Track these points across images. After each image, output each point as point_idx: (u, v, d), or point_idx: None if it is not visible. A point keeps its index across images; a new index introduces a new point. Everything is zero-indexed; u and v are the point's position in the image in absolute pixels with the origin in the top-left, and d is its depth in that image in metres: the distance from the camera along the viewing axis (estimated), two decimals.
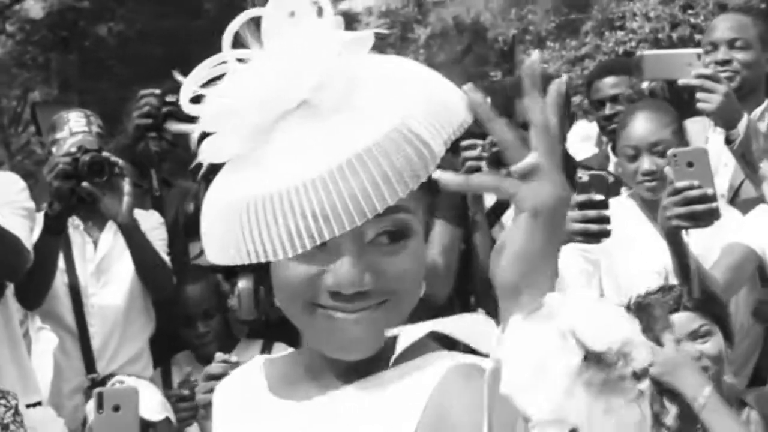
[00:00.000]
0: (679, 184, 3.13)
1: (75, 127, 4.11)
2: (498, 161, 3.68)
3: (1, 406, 3.41)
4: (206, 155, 1.38)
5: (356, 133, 1.30)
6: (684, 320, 3.15)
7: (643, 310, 3.22)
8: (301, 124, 1.33)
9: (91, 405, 3.07)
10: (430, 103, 1.35)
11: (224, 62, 1.37)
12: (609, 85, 4.63)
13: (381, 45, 1.40)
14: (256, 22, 1.38)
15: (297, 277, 1.36)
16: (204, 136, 1.38)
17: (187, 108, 1.37)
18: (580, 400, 1.07)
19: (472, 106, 1.24)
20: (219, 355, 3.31)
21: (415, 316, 1.43)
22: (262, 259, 1.32)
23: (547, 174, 1.15)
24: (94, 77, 15.08)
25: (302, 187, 1.28)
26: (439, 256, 3.59)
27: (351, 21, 23.16)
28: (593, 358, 1.08)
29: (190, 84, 1.37)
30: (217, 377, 3.20)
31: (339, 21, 1.38)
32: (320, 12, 1.37)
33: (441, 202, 1.35)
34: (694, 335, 3.13)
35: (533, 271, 1.14)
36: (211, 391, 3.20)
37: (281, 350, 3.78)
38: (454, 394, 1.33)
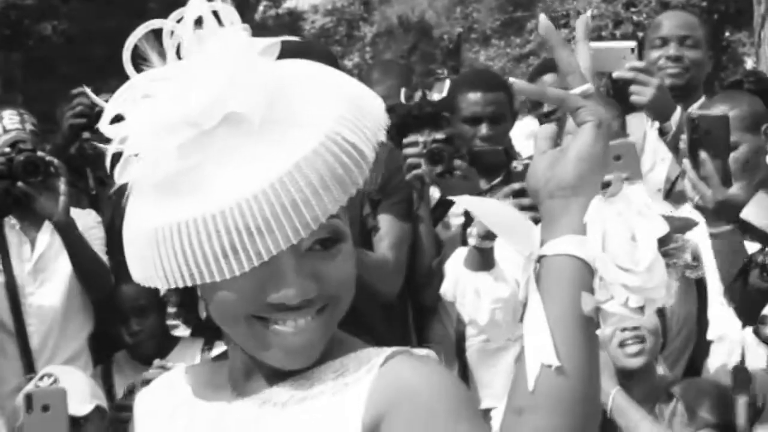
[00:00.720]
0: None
1: (8, 125, 4.10)
2: (435, 158, 3.68)
3: None
4: (133, 176, 1.34)
5: (290, 144, 1.28)
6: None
7: None
8: (229, 138, 1.30)
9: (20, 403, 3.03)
10: (354, 108, 1.34)
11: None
12: (548, 83, 4.63)
13: (328, 43, 1.38)
14: (155, 33, 1.34)
15: (237, 293, 1.33)
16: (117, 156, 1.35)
17: (108, 131, 1.34)
18: (660, 272, 1.24)
19: (545, 31, 1.35)
20: (157, 362, 3.29)
21: (367, 312, 1.44)
22: (206, 280, 1.29)
23: (597, 98, 1.31)
24: (39, 76, 14.97)
25: (244, 203, 1.25)
26: (389, 251, 3.61)
27: (297, 19, 23.12)
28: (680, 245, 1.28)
29: (109, 110, 1.34)
30: (149, 382, 3.18)
31: (247, 29, 1.35)
32: (223, 22, 1.34)
33: (388, 199, 1.37)
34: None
35: (592, 173, 1.28)
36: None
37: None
38: (403, 373, 1.33)
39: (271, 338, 1.35)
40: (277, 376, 1.42)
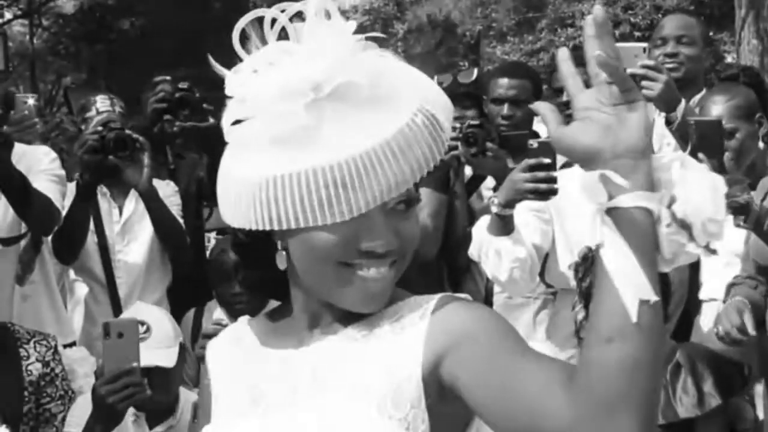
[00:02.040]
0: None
1: (101, 107, 4.12)
2: (470, 140, 3.69)
3: (42, 346, 3.40)
4: (248, 133, 1.36)
5: (389, 116, 1.31)
6: None
7: (588, 260, 3.24)
8: (340, 105, 1.32)
9: None
10: (434, 94, 1.37)
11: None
12: None
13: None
14: (258, 20, 1.37)
15: (332, 240, 1.34)
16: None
17: (234, 91, 1.36)
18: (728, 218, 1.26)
19: (561, 62, 1.32)
20: (216, 318, 3.29)
21: (408, 271, 1.44)
22: (310, 224, 1.32)
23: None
24: (118, 65, 14.99)
25: (350, 161, 1.28)
26: (428, 219, 3.65)
27: None
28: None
29: (245, 69, 1.36)
30: (211, 337, 3.18)
31: (353, 25, 1.37)
32: (330, 17, 1.36)
33: (428, 174, 1.35)
34: None
35: (650, 140, 1.27)
36: (204, 347, 3.18)
37: None
38: (455, 314, 1.36)
39: (356, 282, 1.37)
40: (340, 323, 1.43)
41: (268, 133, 1.33)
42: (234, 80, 1.36)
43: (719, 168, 3.03)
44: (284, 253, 1.41)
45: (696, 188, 1.26)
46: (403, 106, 1.32)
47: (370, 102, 1.32)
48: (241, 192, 1.36)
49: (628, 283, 1.21)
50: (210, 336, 3.20)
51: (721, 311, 3.20)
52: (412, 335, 1.36)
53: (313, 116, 1.32)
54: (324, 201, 1.30)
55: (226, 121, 1.37)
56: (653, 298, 1.21)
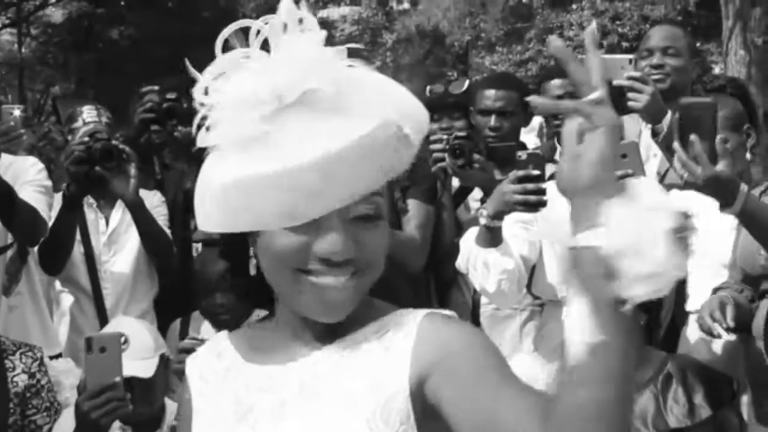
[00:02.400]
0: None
1: (87, 118, 4.12)
2: (457, 152, 3.69)
3: (28, 357, 3.39)
4: (215, 139, 1.37)
5: (351, 125, 1.30)
6: None
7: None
8: (303, 113, 1.33)
9: None
10: (405, 107, 1.37)
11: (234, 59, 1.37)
12: (556, 86, 4.61)
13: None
14: (243, 31, 1.37)
15: (289, 245, 1.35)
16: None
17: (200, 97, 1.37)
18: (675, 257, 1.15)
19: (556, 50, 1.28)
20: (191, 335, 3.29)
21: (395, 283, 1.44)
22: (265, 228, 1.34)
23: (608, 104, 1.23)
24: (107, 74, 14.97)
25: (306, 167, 1.28)
26: (416, 230, 3.65)
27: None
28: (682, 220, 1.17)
29: (207, 77, 1.37)
30: (188, 351, 3.18)
31: (324, 35, 1.38)
32: (303, 28, 1.37)
33: (416, 185, 1.37)
34: None
35: (606, 173, 1.20)
36: (180, 362, 3.18)
37: None
38: (440, 332, 1.36)
39: (312, 290, 1.37)
40: (325, 338, 1.43)
41: (230, 139, 1.35)
42: (200, 87, 1.38)
43: (711, 151, 3.02)
44: (254, 259, 1.43)
45: (631, 224, 1.18)
46: (367, 116, 1.32)
47: (333, 110, 1.32)
48: (206, 195, 1.38)
49: (573, 326, 1.18)
50: (187, 350, 3.20)
51: (705, 303, 3.20)
52: (399, 351, 1.36)
53: (275, 123, 1.32)
54: (278, 206, 1.31)
55: (196, 127, 1.39)
56: (596, 339, 1.17)
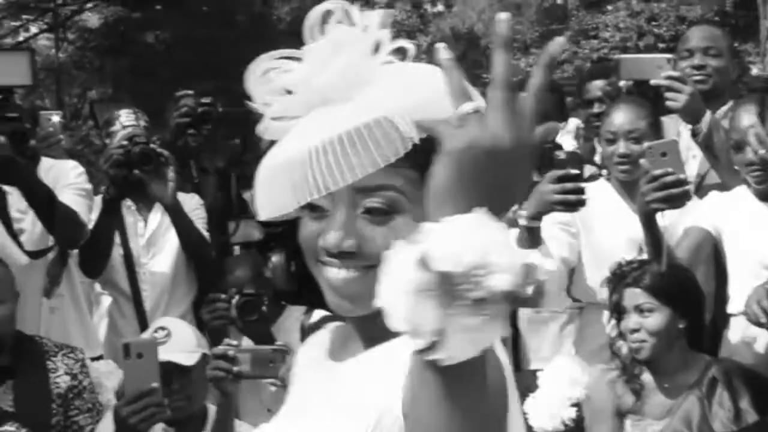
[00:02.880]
0: (656, 172, 3.14)
1: (126, 122, 4.14)
2: None
3: (70, 359, 3.43)
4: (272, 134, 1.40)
5: (342, 119, 1.30)
6: (633, 295, 3.21)
7: (617, 278, 3.24)
8: (319, 110, 1.35)
9: None
10: (415, 102, 1.30)
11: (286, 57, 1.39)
12: (596, 87, 4.60)
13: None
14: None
15: (308, 234, 1.37)
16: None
17: (258, 97, 1.39)
18: (431, 315, 0.99)
19: (443, 60, 1.15)
20: (226, 340, 3.32)
21: None
22: (276, 214, 1.37)
23: (476, 123, 1.07)
24: (143, 78, 15.05)
25: (306, 155, 1.30)
26: None
27: None
28: (441, 278, 0.99)
29: (258, 74, 1.39)
30: (220, 357, 3.22)
31: (381, 34, 1.38)
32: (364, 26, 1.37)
33: None
34: (639, 309, 3.20)
35: (436, 206, 1.06)
36: (214, 368, 3.22)
37: (321, 315, 3.76)
38: None
39: (325, 282, 1.37)
40: (367, 343, 1.40)
41: (278, 132, 1.39)
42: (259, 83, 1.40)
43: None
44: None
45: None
46: (363, 110, 1.31)
47: (341, 105, 1.33)
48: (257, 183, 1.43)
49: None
50: (221, 356, 3.23)
51: (751, 293, 3.18)
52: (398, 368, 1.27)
53: (299, 115, 1.36)
54: (289, 190, 1.32)
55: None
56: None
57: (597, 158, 4.40)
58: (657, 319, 3.19)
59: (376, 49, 1.38)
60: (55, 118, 4.18)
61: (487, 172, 1.06)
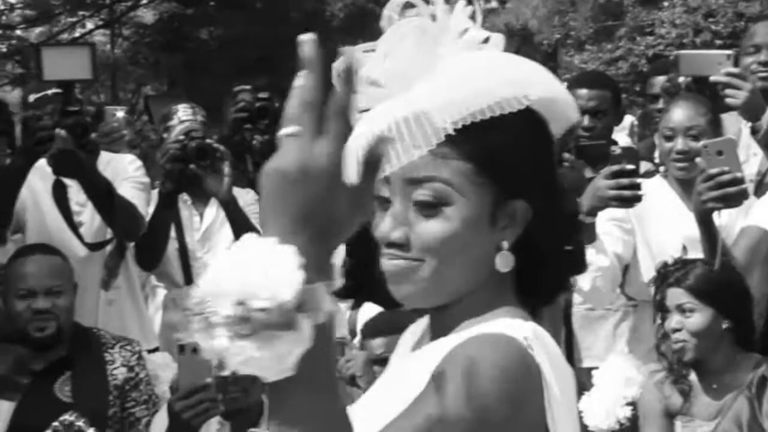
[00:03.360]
0: (712, 171, 3.12)
1: (183, 116, 4.17)
2: None
3: (127, 351, 3.48)
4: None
5: (387, 112, 1.31)
6: (676, 295, 3.20)
7: (662, 277, 3.24)
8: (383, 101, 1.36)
9: None
10: (458, 94, 1.31)
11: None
12: (658, 83, 4.56)
13: None
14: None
15: (374, 225, 1.37)
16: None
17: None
18: (218, 342, 1.02)
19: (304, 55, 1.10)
20: None
21: None
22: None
23: (290, 145, 1.06)
24: (197, 74, 15.13)
25: (358, 142, 1.26)
26: None
27: None
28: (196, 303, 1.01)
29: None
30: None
31: (452, 22, 1.37)
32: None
33: None
34: (680, 309, 3.19)
35: (261, 225, 1.09)
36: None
37: (370, 309, 3.79)
38: (456, 355, 1.26)
39: (384, 271, 1.37)
40: (435, 335, 1.40)
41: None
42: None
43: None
44: None
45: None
46: (408, 104, 1.31)
47: (395, 96, 1.33)
48: None
49: None
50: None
51: None
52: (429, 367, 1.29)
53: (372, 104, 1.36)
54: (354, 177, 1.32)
55: None
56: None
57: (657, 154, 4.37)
58: (698, 319, 3.18)
59: (448, 37, 1.37)
60: (120, 114, 4.24)
61: (287, 195, 1.06)
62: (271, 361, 1.01)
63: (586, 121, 3.96)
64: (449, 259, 1.33)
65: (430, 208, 1.33)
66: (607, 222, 3.39)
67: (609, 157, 3.32)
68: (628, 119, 5.55)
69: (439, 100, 1.31)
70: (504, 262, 1.35)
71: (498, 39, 1.40)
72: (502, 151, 1.34)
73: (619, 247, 3.48)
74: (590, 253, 3.26)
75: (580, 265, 1.48)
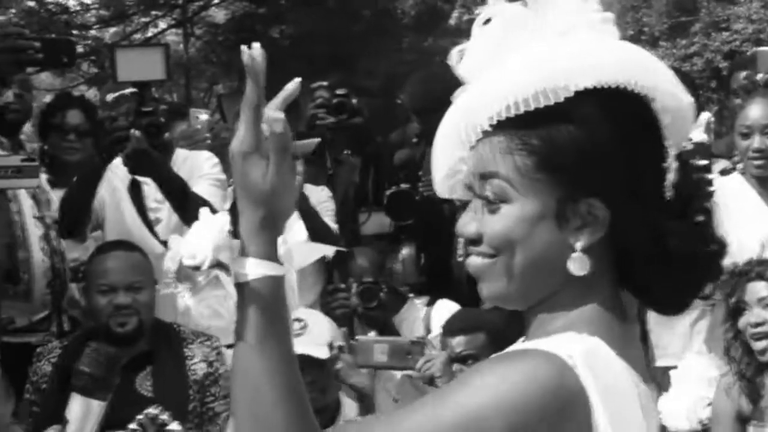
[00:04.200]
0: None
1: None
2: None
3: (206, 346, 3.53)
4: None
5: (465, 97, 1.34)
6: (757, 289, 3.17)
7: (735, 276, 3.20)
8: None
9: None
10: (498, 87, 1.29)
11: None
12: (740, 78, 4.50)
13: None
14: None
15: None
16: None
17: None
18: None
19: (246, 64, 1.36)
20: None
21: None
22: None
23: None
24: (269, 72, 15.25)
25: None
26: None
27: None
28: None
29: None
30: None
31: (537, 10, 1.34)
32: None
33: None
34: (763, 302, 3.16)
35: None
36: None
37: (445, 306, 3.81)
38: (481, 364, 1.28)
39: None
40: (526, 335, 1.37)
41: None
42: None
43: None
44: None
45: None
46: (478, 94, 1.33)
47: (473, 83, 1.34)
48: None
49: None
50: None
51: None
52: None
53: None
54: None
55: None
56: None
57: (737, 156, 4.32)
58: None
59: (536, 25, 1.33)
60: (204, 117, 4.30)
61: (234, 176, 1.34)
62: (208, 309, 1.16)
63: None
64: (515, 257, 1.30)
65: (491, 204, 1.31)
66: None
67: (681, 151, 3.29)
68: (704, 116, 5.49)
69: (480, 95, 1.31)
70: (577, 265, 1.28)
71: (606, 17, 1.35)
72: (568, 146, 1.27)
73: None
74: None
75: (713, 272, 1.37)
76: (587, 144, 1.27)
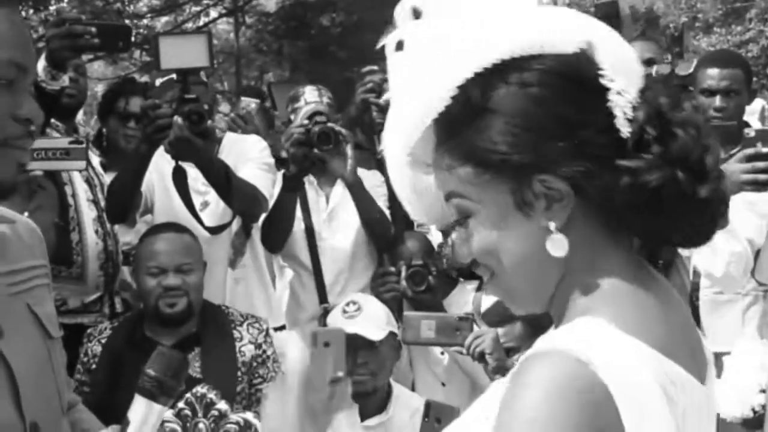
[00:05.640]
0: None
1: (309, 98, 4.21)
2: None
3: (254, 328, 3.54)
4: None
5: None
6: None
7: None
8: None
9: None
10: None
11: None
12: None
13: None
14: None
15: None
16: None
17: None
18: None
19: None
20: None
21: None
22: None
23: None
24: (319, 60, 15.29)
25: None
26: None
27: None
28: None
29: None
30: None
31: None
32: None
33: None
34: None
35: None
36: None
37: None
38: (521, 371, 1.21)
39: None
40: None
41: None
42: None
43: None
44: None
45: None
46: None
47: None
48: None
49: None
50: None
51: None
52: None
53: None
54: None
55: None
56: None
57: None
58: None
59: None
60: (254, 105, 4.31)
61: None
62: None
63: (718, 101, 3.88)
64: (503, 263, 1.29)
65: (461, 223, 1.31)
66: (739, 206, 3.32)
67: (740, 139, 3.25)
68: (759, 103, 5.42)
69: (392, 128, 1.36)
70: (555, 245, 1.24)
71: None
72: (494, 137, 1.23)
73: (750, 231, 3.41)
74: (723, 238, 3.20)
75: (709, 179, 1.23)
76: (507, 130, 1.23)
